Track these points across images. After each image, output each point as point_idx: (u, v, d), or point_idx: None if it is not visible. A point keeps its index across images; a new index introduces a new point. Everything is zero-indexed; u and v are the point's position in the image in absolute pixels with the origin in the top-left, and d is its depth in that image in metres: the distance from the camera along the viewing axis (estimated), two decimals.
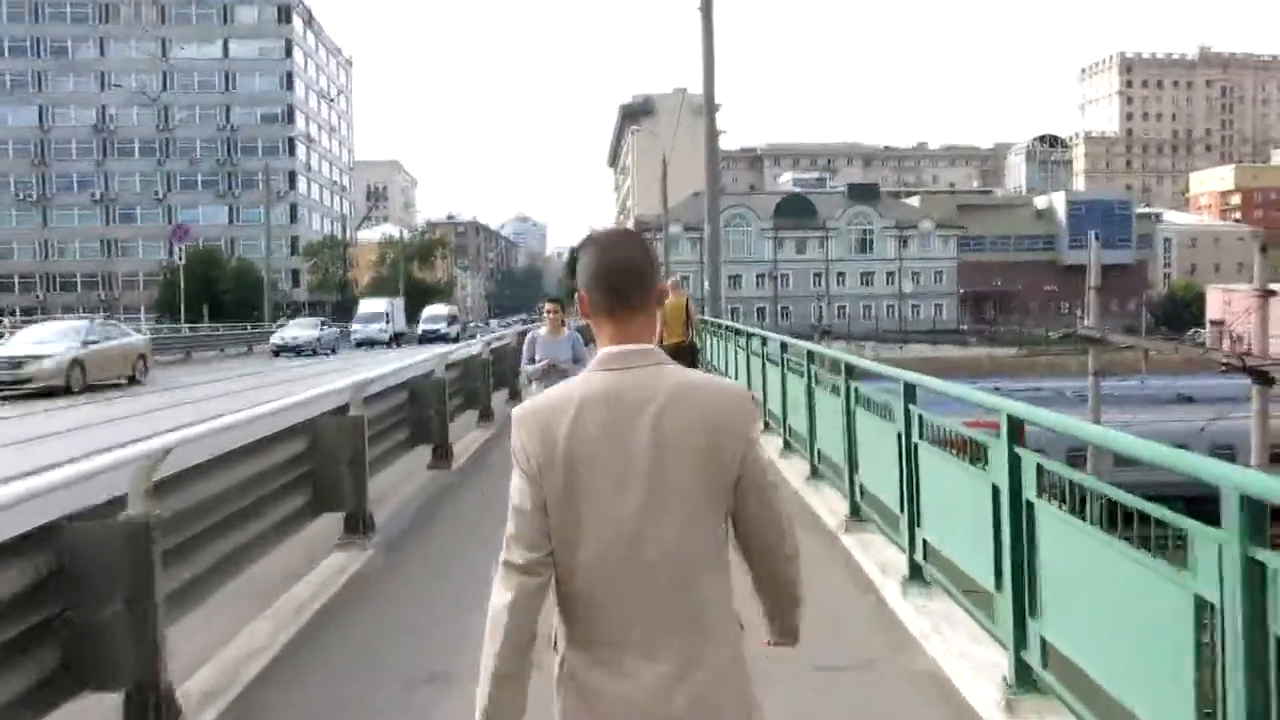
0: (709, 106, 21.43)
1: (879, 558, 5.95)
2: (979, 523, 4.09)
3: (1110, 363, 60.32)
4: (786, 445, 9.86)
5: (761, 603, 1.97)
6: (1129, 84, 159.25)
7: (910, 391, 5.29)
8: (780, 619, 1.99)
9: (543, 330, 7.61)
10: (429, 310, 57.81)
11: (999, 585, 3.93)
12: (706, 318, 18.64)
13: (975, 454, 4.30)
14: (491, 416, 13.21)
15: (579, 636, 1.79)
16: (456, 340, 50.96)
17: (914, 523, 5.22)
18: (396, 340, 48.15)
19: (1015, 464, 3.75)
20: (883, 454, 5.78)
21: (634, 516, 1.75)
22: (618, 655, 1.77)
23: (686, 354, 11.73)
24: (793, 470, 8.93)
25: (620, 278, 1.85)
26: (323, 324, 43.13)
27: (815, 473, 8.29)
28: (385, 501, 7.88)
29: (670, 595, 1.76)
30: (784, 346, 9.98)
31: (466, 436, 11.81)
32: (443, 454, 9.89)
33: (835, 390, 7.16)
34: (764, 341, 11.40)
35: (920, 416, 5.18)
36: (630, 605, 1.76)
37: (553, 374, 6.89)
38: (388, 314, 49.94)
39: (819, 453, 8.19)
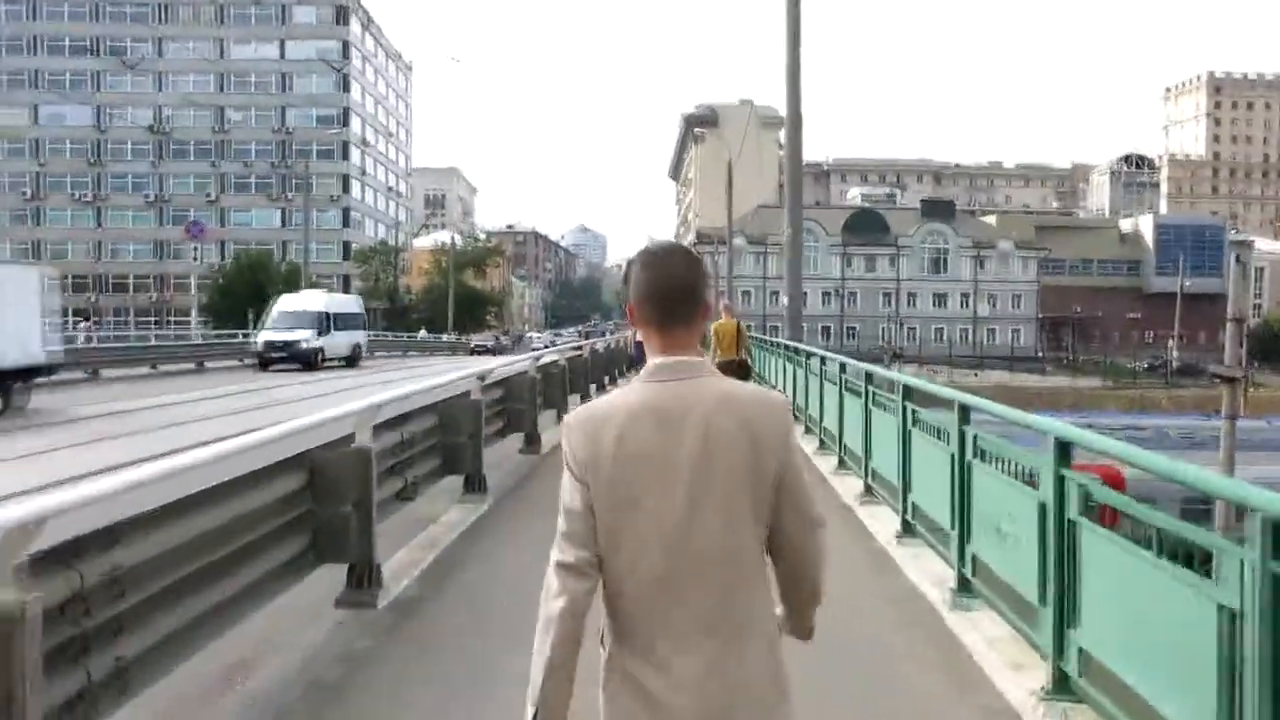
0: (792, 94, 17.81)
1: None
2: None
3: (1201, 399, 59.07)
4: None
5: (782, 600, 2.11)
6: (1217, 105, 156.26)
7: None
8: (799, 617, 2.14)
9: None
10: (284, 302, 34.48)
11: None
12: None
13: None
14: (483, 488, 9.05)
15: (625, 633, 1.97)
16: (352, 363, 34.33)
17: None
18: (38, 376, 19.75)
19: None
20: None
21: (679, 520, 1.92)
22: (662, 651, 1.93)
23: (738, 370, 12.57)
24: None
25: (670, 294, 2.02)
26: None
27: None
28: None
29: (713, 596, 1.94)
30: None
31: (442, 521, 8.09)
32: (359, 582, 5.78)
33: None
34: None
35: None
36: (674, 605, 1.94)
37: None
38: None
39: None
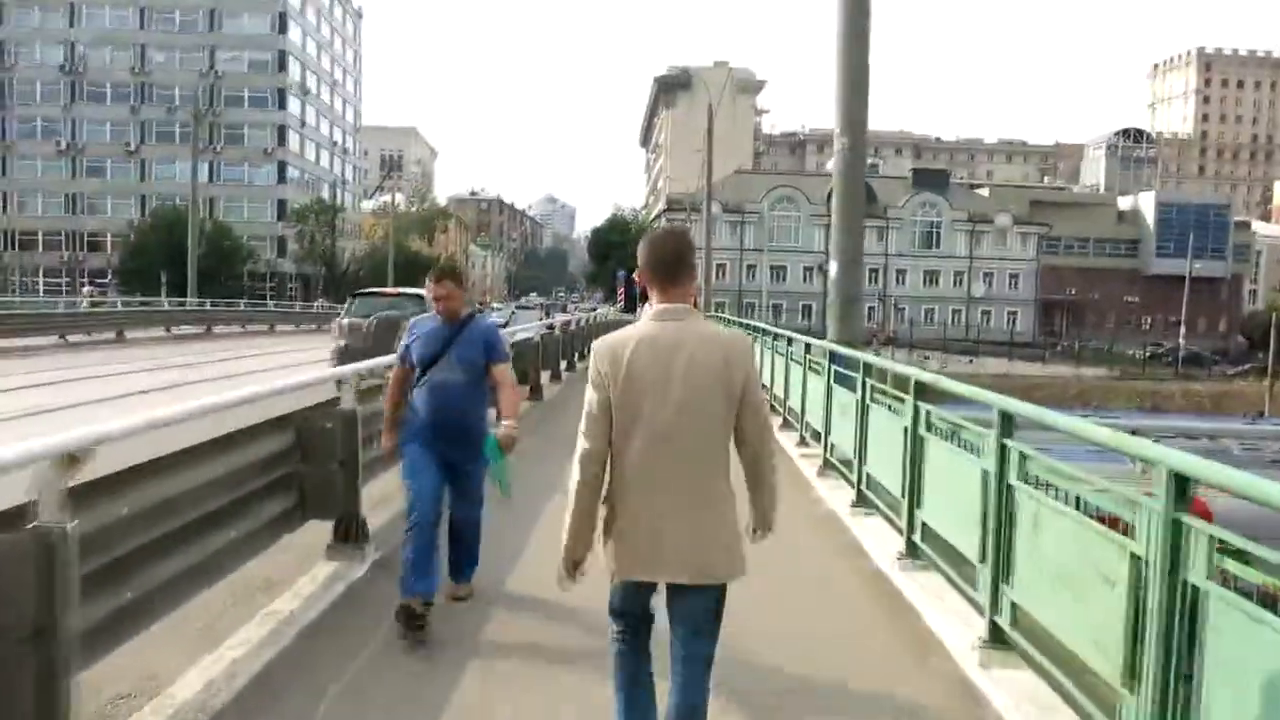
0: None
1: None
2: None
3: (1219, 394, 58.89)
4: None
5: (748, 487, 3.36)
6: (1207, 82, 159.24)
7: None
8: (759, 510, 3.40)
9: None
10: None
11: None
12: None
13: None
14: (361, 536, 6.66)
15: (625, 495, 3.20)
16: None
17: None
18: None
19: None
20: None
21: (670, 418, 3.15)
22: (656, 496, 3.17)
23: None
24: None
25: (667, 263, 3.28)
26: None
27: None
28: None
29: (690, 470, 3.18)
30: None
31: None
32: None
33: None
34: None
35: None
36: (662, 476, 3.16)
37: None
38: None
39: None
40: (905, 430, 6.49)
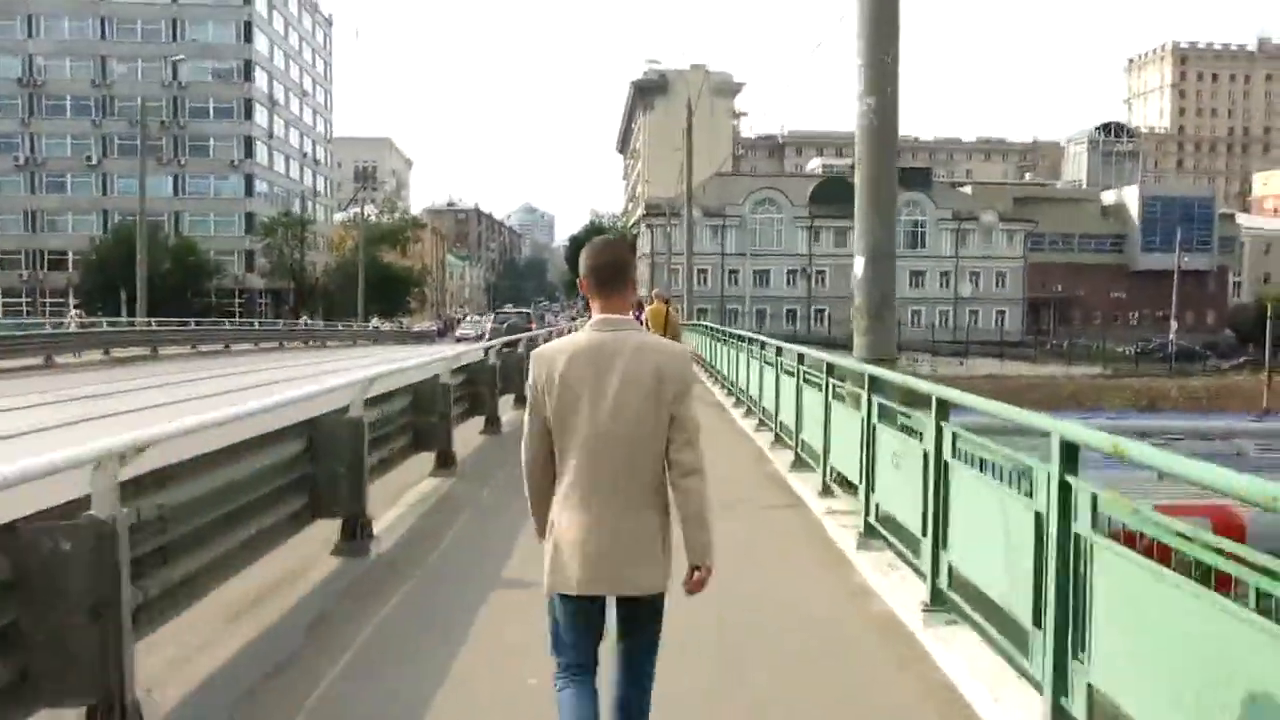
0: None
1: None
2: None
3: (1217, 389, 57.82)
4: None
5: (683, 534, 3.20)
6: (1182, 76, 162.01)
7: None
8: (695, 545, 3.18)
9: None
10: None
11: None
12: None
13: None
14: None
15: (564, 498, 3.21)
16: None
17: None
18: None
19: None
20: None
21: (605, 423, 3.14)
22: (586, 507, 3.16)
23: None
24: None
25: (606, 271, 3.30)
26: None
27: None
28: None
29: (624, 473, 3.17)
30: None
31: None
32: None
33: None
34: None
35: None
36: (594, 487, 3.16)
37: None
38: None
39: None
40: (1038, 518, 3.87)
